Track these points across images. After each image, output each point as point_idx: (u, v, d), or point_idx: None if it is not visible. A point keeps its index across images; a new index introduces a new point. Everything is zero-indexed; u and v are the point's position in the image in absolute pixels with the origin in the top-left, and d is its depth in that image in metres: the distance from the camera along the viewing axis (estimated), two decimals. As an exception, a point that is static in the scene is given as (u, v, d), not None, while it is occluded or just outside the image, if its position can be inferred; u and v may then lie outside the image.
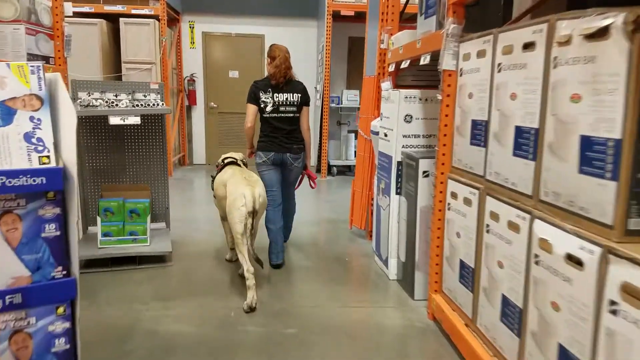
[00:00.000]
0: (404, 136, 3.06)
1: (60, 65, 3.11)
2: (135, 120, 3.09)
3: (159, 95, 3.69)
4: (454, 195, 2.37)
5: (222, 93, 8.03)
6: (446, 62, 2.38)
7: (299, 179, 3.70)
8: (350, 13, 6.69)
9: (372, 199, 3.92)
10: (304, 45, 7.89)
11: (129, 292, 2.96)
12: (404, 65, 3.08)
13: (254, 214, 2.81)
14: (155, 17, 6.52)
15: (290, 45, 3.68)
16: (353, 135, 7.54)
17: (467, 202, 2.22)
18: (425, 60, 2.71)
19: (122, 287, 3.03)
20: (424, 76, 3.40)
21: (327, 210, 5.36)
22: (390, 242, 3.20)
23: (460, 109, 2.34)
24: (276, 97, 3.37)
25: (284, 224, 3.62)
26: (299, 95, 3.43)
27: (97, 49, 6.31)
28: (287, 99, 3.39)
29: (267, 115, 3.39)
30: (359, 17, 6.59)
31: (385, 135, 3.25)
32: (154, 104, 3.50)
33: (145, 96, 3.67)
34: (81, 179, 3.71)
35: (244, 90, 3.77)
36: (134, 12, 6.43)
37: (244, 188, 2.82)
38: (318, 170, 7.48)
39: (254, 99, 3.40)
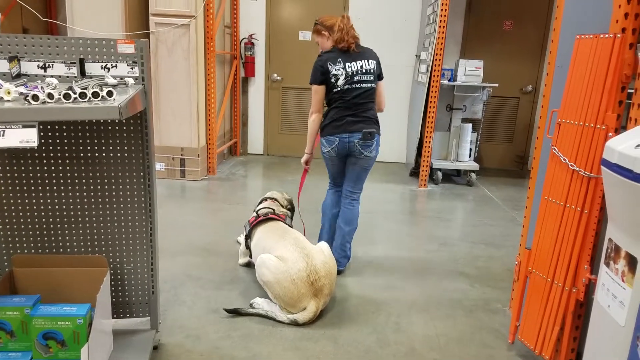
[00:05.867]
0: None
1: None
2: (26, 136, 1.18)
3: (135, 67, 1.76)
4: None
5: (290, 61, 6.02)
6: None
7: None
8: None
9: (582, 303, 1.81)
10: (403, -4, 5.72)
11: None
12: None
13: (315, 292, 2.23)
14: (198, -50, 4.56)
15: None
16: (469, 126, 5.26)
17: None
18: None
19: None
20: None
21: (436, 254, 3.19)
22: None
23: None
24: (349, 66, 2.68)
25: (338, 242, 2.79)
26: (375, 62, 2.76)
27: (119, -4, 4.52)
28: (362, 66, 2.70)
29: (339, 89, 2.68)
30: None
31: None
32: (114, 87, 1.57)
33: (108, 68, 1.75)
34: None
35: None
36: (168, -58, 4.50)
37: (297, 256, 2.26)
38: (416, 175, 5.33)
39: (321, 75, 2.68)
